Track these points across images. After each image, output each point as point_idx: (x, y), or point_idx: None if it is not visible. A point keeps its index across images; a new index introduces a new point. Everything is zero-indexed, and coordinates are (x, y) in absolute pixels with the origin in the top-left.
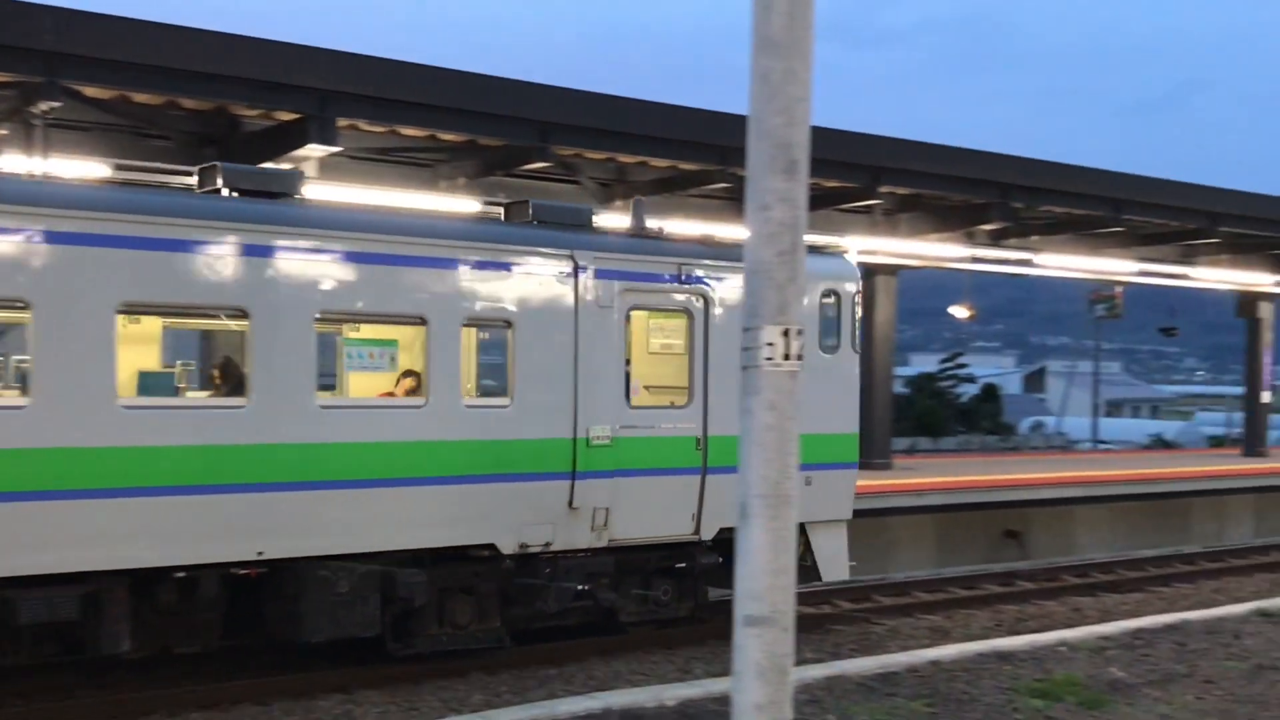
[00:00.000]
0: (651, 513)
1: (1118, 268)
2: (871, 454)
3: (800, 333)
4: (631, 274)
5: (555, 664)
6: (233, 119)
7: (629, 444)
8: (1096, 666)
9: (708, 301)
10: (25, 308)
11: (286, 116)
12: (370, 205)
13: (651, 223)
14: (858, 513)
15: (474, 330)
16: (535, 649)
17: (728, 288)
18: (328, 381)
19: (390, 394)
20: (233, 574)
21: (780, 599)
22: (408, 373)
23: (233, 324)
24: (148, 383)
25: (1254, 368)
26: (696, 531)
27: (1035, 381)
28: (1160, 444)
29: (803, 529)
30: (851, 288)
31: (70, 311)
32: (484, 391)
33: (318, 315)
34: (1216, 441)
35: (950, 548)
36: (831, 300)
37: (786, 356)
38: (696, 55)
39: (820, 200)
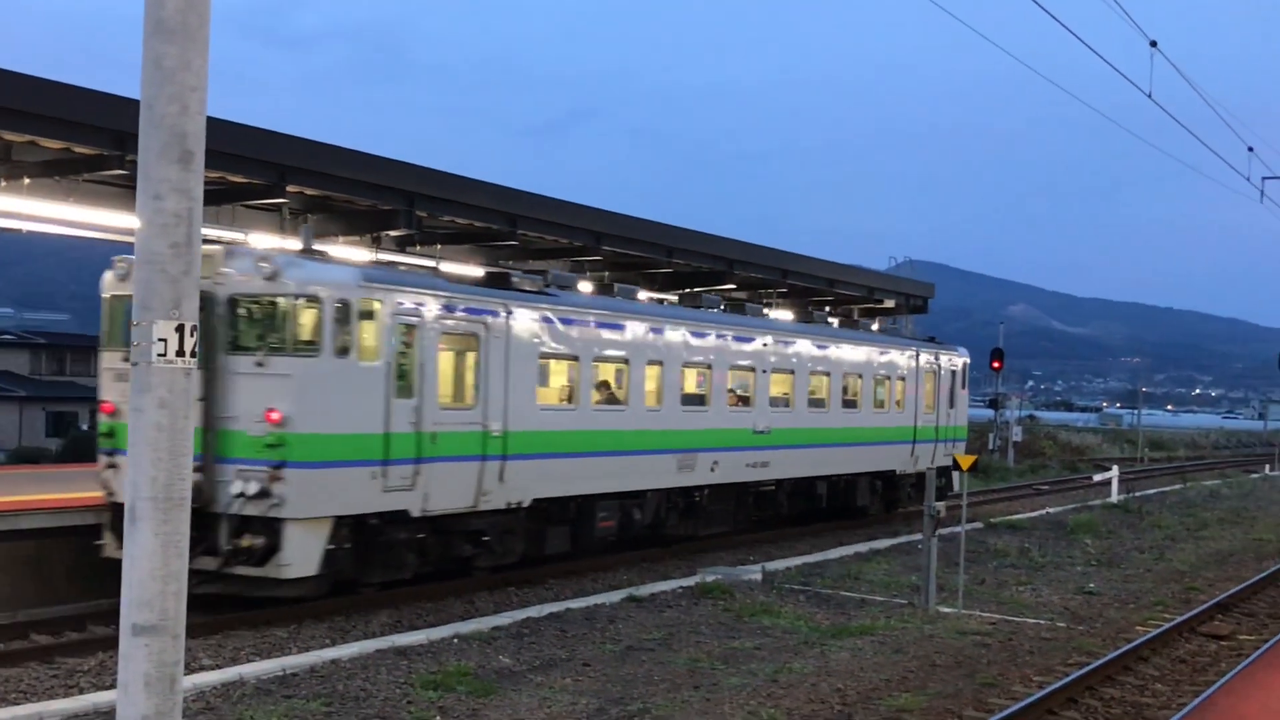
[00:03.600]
0: (923, 458)
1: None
2: None
3: (195, 329)
4: (928, 358)
5: None
6: None
7: (922, 429)
8: (487, 656)
9: (939, 367)
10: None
11: None
12: (867, 329)
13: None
14: None
15: (898, 380)
16: None
17: (944, 360)
18: (851, 399)
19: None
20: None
21: (171, 606)
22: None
23: (821, 379)
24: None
25: None
26: (917, 466)
27: None
28: None
29: (949, 469)
30: (969, 359)
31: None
32: (890, 405)
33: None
34: None
35: None
36: (963, 366)
37: (180, 353)
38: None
39: (225, 195)
